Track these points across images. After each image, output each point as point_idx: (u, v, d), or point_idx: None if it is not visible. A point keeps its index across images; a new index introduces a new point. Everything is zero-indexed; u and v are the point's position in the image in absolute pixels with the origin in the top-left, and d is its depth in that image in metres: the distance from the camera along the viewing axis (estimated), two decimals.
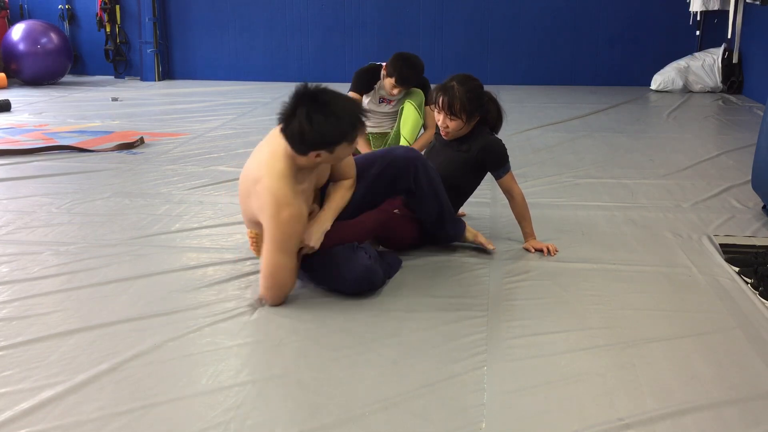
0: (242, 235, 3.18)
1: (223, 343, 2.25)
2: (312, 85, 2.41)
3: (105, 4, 8.60)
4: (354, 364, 2.12)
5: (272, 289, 2.47)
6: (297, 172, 2.46)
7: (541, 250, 2.99)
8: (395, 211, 2.93)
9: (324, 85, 2.44)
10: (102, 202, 3.72)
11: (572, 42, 8.19)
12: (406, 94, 4.22)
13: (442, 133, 3.04)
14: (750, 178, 3.65)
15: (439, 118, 2.99)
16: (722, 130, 5.67)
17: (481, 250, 3.01)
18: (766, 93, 5.86)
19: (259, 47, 8.67)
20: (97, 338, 2.27)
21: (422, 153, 3.03)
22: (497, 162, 3.00)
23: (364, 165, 2.79)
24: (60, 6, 8.84)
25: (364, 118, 2.48)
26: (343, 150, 2.46)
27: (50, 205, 3.64)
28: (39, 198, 3.78)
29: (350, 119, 2.42)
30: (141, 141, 5.10)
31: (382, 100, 4.32)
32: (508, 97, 6.46)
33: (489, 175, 3.08)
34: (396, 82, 4.08)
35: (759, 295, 2.58)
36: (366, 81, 4.26)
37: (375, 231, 2.87)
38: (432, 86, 3.65)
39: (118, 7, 8.68)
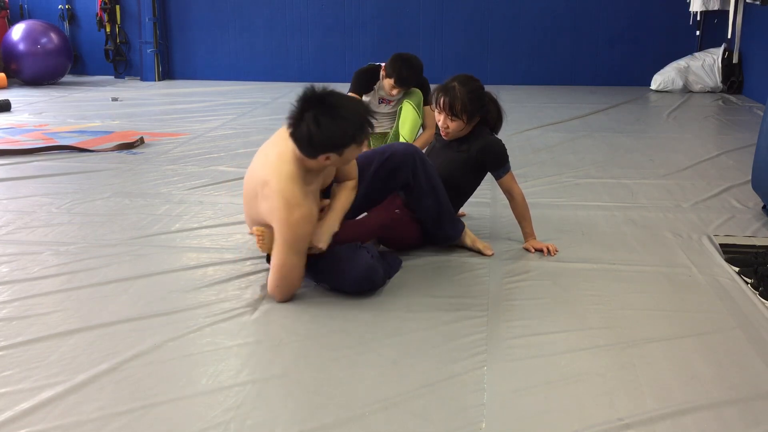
0: (242, 235, 3.18)
1: (223, 343, 2.25)
2: (319, 87, 2.40)
3: (105, 4, 8.60)
4: (354, 364, 2.12)
5: (282, 288, 2.50)
6: (305, 174, 2.47)
7: (541, 250, 2.99)
8: (396, 211, 2.93)
9: (330, 87, 2.43)
10: (102, 202, 3.72)
11: (572, 42, 8.19)
12: (405, 94, 4.21)
13: (443, 134, 3.04)
14: (750, 178, 3.65)
15: (440, 118, 2.99)
16: (722, 130, 5.67)
17: None
18: (766, 93, 5.86)
19: (259, 47, 8.67)
20: (97, 338, 2.27)
21: None
22: (497, 162, 3.00)
23: (363, 164, 2.79)
24: (60, 6, 8.84)
25: (372, 119, 2.48)
26: (351, 152, 2.47)
27: (50, 205, 3.64)
28: (39, 198, 3.78)
29: (358, 121, 2.41)
30: (141, 141, 5.10)
31: (381, 100, 4.32)
32: (508, 97, 6.46)
33: (489, 175, 3.08)
34: (395, 82, 4.07)
35: (759, 295, 2.58)
36: (365, 82, 4.25)
37: (378, 232, 2.87)
38: (432, 86, 3.65)
39: (118, 7, 8.68)
